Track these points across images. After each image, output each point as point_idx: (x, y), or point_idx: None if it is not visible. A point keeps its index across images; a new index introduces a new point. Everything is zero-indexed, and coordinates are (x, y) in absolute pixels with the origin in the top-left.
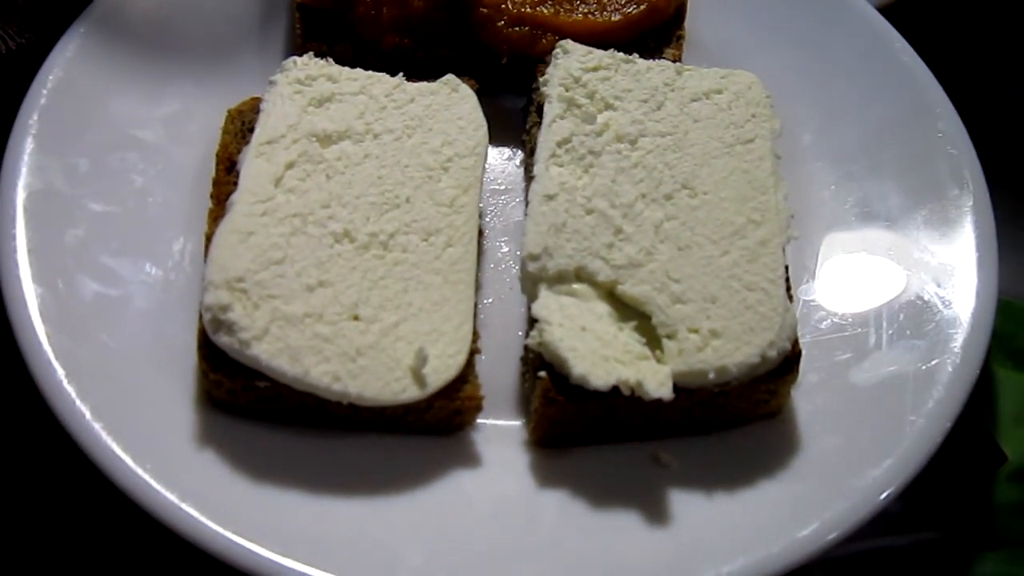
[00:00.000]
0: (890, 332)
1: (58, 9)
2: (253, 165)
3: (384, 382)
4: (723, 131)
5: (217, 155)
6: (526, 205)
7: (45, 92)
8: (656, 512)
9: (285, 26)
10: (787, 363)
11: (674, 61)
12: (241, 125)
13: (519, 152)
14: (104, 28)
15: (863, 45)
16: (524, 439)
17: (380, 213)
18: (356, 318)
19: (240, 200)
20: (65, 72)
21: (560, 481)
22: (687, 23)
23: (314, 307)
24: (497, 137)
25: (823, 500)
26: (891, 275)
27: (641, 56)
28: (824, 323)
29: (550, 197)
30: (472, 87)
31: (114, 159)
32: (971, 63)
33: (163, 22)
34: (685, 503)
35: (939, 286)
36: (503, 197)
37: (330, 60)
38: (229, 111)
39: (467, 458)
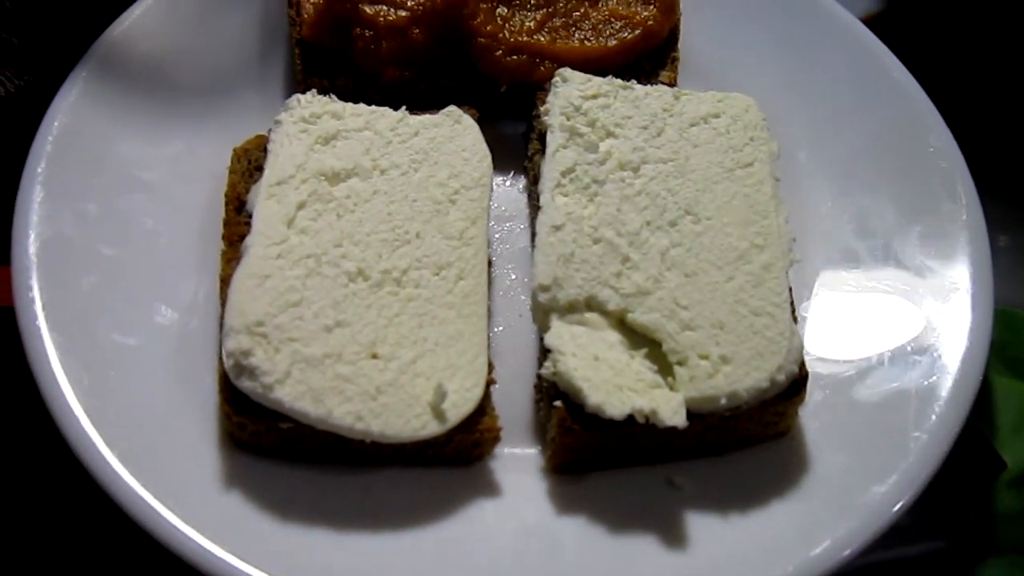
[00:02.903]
0: (891, 349)
1: (54, 50)
2: (265, 207)
3: (405, 419)
4: (723, 156)
5: (226, 195)
6: (532, 233)
7: (51, 139)
8: (673, 534)
9: (284, 62)
10: (795, 385)
11: (670, 84)
12: (248, 164)
13: (521, 178)
14: (106, 71)
15: (853, 60)
16: (541, 466)
17: (392, 250)
18: (375, 356)
19: (254, 243)
20: (69, 117)
21: (578, 507)
22: (680, 44)
23: (333, 347)
24: (499, 163)
25: (833, 518)
26: (889, 292)
27: (638, 79)
28: (826, 341)
29: (557, 228)
30: (473, 116)
31: (123, 202)
32: (954, 72)
33: (163, 62)
34: (700, 525)
35: (937, 301)
36: (508, 224)
37: (333, 96)
38: (235, 150)
39: (487, 488)
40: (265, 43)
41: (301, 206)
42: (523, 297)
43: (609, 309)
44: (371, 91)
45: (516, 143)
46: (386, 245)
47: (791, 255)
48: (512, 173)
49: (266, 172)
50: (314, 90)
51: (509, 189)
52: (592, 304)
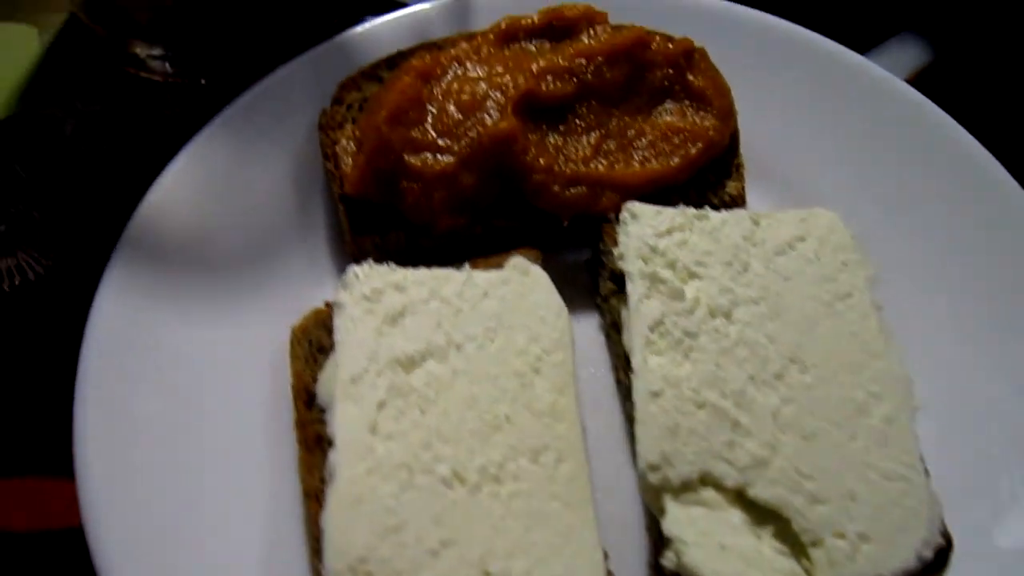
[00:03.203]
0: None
1: (78, 224)
2: (343, 412)
3: None
4: (817, 288)
5: (293, 388)
6: (616, 380)
7: (98, 337)
8: None
9: (326, 216)
10: (940, 556)
11: (737, 195)
12: (308, 346)
13: (593, 314)
14: (142, 254)
15: (927, 142)
16: None
17: (483, 441)
18: (488, 574)
19: (341, 462)
20: (114, 314)
21: None
22: (741, 148)
23: (443, 573)
24: (567, 297)
25: None
26: (1011, 408)
27: (702, 194)
28: (946, 473)
29: (656, 394)
30: (537, 259)
31: (182, 400)
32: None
33: (200, 235)
34: None
35: None
36: (590, 369)
37: (391, 265)
38: (293, 331)
39: None
40: (302, 199)
41: (381, 406)
42: (620, 456)
43: (727, 486)
44: (425, 242)
45: (581, 273)
46: (476, 436)
47: (913, 401)
48: (584, 309)
49: (338, 368)
50: (370, 260)
51: (582, 325)
52: (707, 480)
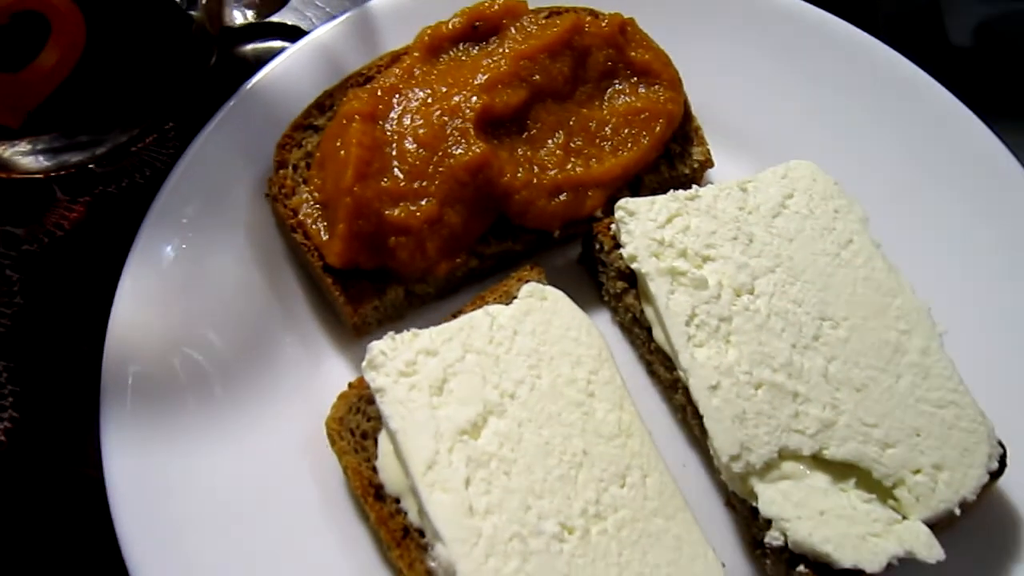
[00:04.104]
0: None
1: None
2: (435, 504)
3: None
4: (821, 242)
5: (354, 485)
6: (650, 374)
7: (125, 496)
8: None
9: (304, 294)
10: (1002, 462)
11: (705, 160)
12: (351, 436)
13: (600, 310)
14: (128, 396)
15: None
16: None
17: (572, 484)
18: None
19: (456, 555)
20: (125, 460)
21: None
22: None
23: None
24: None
25: None
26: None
27: (673, 166)
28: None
29: (714, 388)
30: (541, 277)
31: (229, 527)
32: None
33: (179, 358)
34: None
35: None
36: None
37: (411, 331)
38: (327, 424)
39: None
40: (271, 278)
41: (468, 483)
42: (677, 442)
43: (804, 454)
44: (423, 290)
45: (575, 272)
46: (565, 481)
47: (937, 328)
48: (587, 306)
49: (408, 460)
50: (391, 334)
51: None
52: (785, 454)
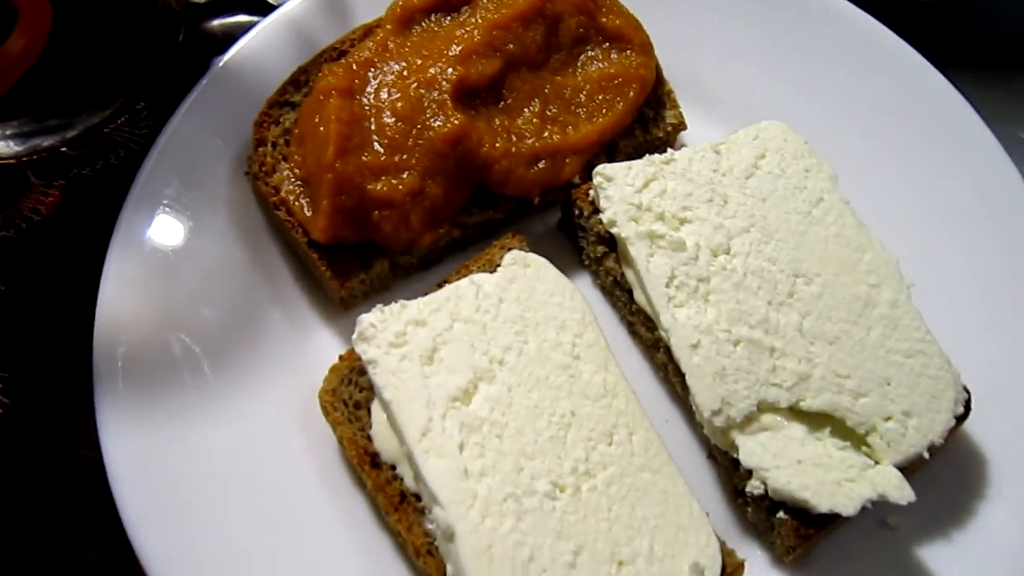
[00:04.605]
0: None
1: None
2: (432, 469)
3: None
4: (793, 201)
5: (350, 454)
6: (632, 334)
7: (126, 477)
8: (900, 572)
9: (289, 269)
10: (967, 406)
11: (678, 122)
12: (344, 407)
13: (581, 273)
14: (121, 378)
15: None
16: (771, 561)
17: (562, 444)
18: (622, 564)
19: (454, 516)
20: (123, 443)
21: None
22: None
23: None
24: (555, 265)
25: None
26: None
27: (647, 130)
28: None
29: (695, 346)
30: (523, 244)
31: (232, 500)
32: None
33: (170, 339)
34: (925, 554)
35: None
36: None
37: (399, 302)
38: (320, 396)
39: None
40: (256, 255)
41: (462, 448)
42: (659, 398)
43: (782, 406)
44: (407, 260)
45: (555, 238)
46: (555, 441)
47: (904, 280)
48: (569, 270)
49: (403, 428)
50: (380, 306)
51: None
52: (764, 407)
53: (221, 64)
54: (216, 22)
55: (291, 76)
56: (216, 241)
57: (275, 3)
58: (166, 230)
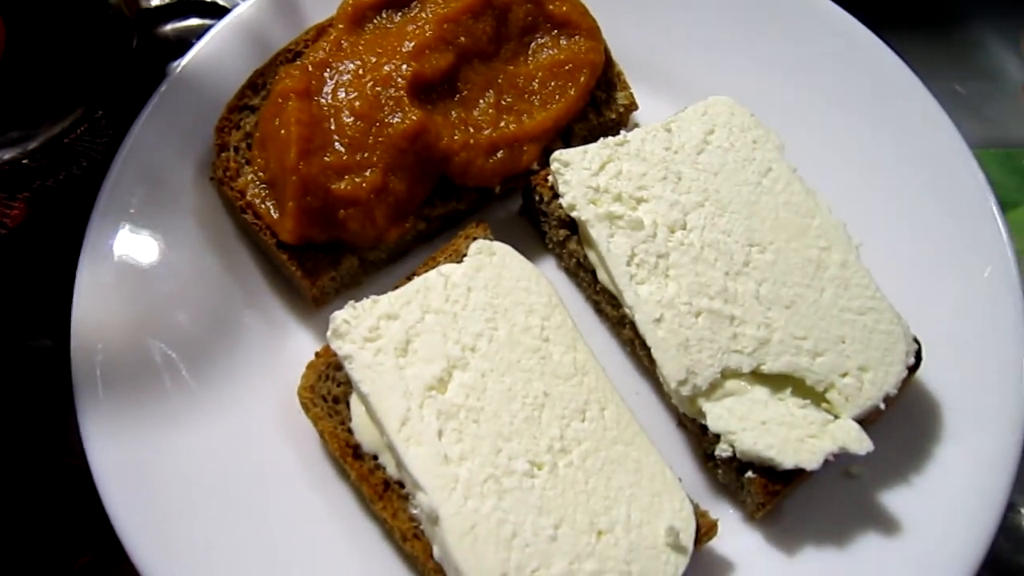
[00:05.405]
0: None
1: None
2: (413, 457)
3: (660, 570)
4: (743, 173)
5: (333, 448)
6: (598, 312)
7: (112, 481)
8: (867, 516)
9: (260, 269)
10: (917, 356)
11: (630, 103)
12: (324, 402)
13: (545, 257)
14: (101, 388)
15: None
16: (743, 518)
17: (537, 424)
18: (601, 533)
19: (437, 501)
20: (107, 450)
21: (792, 530)
22: (614, 57)
23: (569, 551)
24: (519, 251)
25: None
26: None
27: (600, 112)
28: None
29: (658, 320)
30: (487, 233)
31: (220, 500)
32: None
33: (147, 346)
34: (888, 502)
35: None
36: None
37: (371, 297)
38: (300, 393)
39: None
40: (226, 259)
41: (440, 435)
42: (628, 373)
43: (744, 372)
44: (375, 255)
45: (518, 224)
46: (530, 422)
47: (853, 241)
48: (533, 255)
49: (382, 420)
50: (351, 302)
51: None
52: (727, 373)
53: (178, 71)
54: (169, 26)
55: (248, 80)
56: (186, 247)
57: (227, 5)
58: (136, 238)
